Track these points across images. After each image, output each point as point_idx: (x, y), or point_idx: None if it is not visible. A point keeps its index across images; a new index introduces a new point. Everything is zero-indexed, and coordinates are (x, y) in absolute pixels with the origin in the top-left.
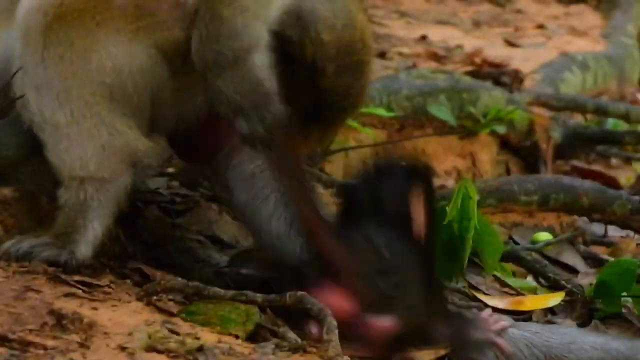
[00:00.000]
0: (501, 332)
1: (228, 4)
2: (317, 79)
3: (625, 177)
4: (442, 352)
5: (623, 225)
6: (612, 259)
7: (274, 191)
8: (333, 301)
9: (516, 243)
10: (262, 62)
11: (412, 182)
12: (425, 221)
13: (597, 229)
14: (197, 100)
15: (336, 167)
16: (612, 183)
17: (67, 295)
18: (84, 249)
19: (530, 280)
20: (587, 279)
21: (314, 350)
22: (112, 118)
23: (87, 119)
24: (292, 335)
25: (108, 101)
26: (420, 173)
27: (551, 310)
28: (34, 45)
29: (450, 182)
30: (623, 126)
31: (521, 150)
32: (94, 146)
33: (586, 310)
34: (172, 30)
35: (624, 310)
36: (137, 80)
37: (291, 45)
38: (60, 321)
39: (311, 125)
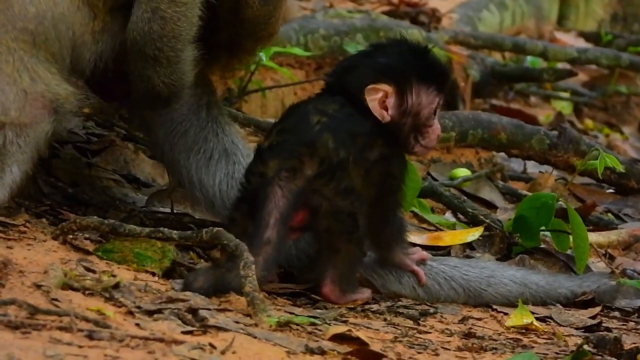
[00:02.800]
0: (421, 263)
1: (170, 2)
2: (242, 10)
3: (544, 114)
4: (368, 296)
5: (541, 161)
6: (530, 194)
7: (193, 125)
8: None
9: (434, 179)
10: (191, 56)
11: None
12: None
13: (516, 165)
14: (117, 41)
15: (254, 107)
16: (532, 121)
17: None
18: (1, 192)
19: (448, 216)
20: (506, 214)
21: None
22: (35, 64)
23: (10, 64)
24: None
25: (30, 47)
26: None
27: (470, 245)
28: None
29: None
30: (541, 64)
31: None
32: (16, 92)
33: (505, 244)
34: None
35: (543, 245)
36: (59, 26)
37: None
38: None
39: (229, 56)
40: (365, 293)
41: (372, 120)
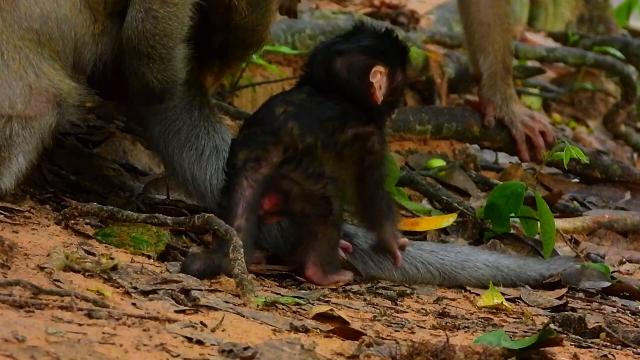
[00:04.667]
0: (400, 248)
1: (162, 3)
2: (231, 16)
3: None
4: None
5: (511, 152)
6: (501, 183)
7: (186, 123)
8: None
9: (412, 169)
10: (182, 54)
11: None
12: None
13: (489, 156)
14: (115, 44)
15: (244, 101)
16: None
17: None
18: (8, 180)
19: (425, 203)
20: (478, 201)
21: None
22: (39, 61)
23: (16, 61)
24: None
25: (35, 45)
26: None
27: (444, 231)
28: None
29: None
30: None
31: (417, 85)
32: (22, 87)
33: (477, 230)
34: None
35: (512, 231)
36: (62, 26)
37: None
38: None
39: (221, 62)
40: (347, 275)
41: (345, 102)
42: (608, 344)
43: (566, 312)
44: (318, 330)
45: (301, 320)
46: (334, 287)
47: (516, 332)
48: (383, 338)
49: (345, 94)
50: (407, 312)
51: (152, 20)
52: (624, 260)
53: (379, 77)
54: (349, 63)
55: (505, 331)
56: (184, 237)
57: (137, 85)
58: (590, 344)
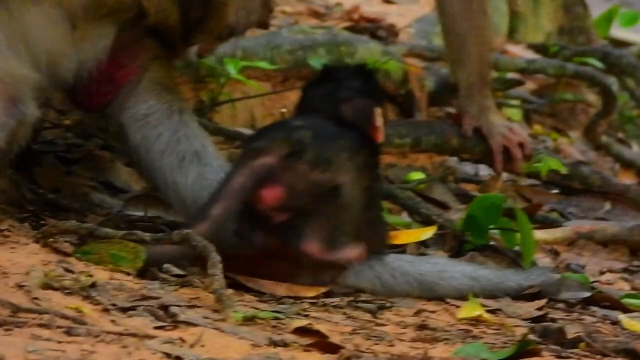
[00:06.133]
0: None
1: None
2: None
3: None
4: (324, 289)
5: (490, 164)
6: (480, 195)
7: (167, 128)
8: None
9: (391, 182)
10: None
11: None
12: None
13: (470, 168)
14: (97, 49)
15: (224, 117)
16: None
17: None
18: None
19: (404, 216)
20: (458, 214)
21: (200, 284)
22: None
23: None
24: (177, 270)
25: None
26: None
27: (424, 243)
28: None
29: None
30: (493, 74)
31: (397, 98)
32: None
33: (457, 242)
34: None
35: (492, 242)
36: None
37: None
38: None
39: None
40: (355, 250)
41: (353, 132)
42: (588, 354)
43: (546, 323)
44: (297, 345)
45: (280, 334)
46: (315, 300)
47: (495, 344)
48: (362, 351)
49: (351, 128)
50: (386, 325)
51: None
52: (604, 270)
53: (380, 119)
54: (354, 107)
55: (485, 342)
56: None
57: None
58: (570, 354)
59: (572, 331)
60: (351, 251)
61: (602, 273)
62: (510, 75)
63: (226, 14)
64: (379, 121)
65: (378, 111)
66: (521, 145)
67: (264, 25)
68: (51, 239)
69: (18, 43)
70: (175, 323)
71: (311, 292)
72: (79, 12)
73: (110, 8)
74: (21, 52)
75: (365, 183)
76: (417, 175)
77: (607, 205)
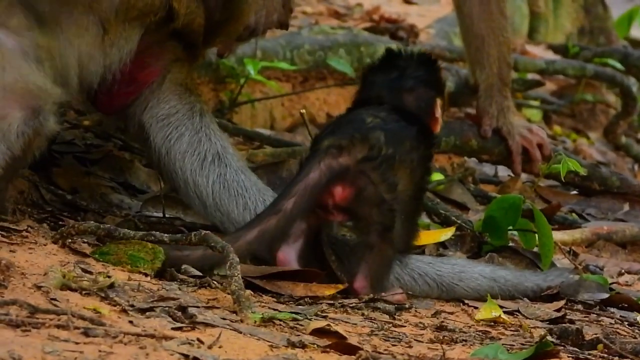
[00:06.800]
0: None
1: None
2: None
3: None
4: (342, 287)
5: (509, 166)
6: (499, 196)
7: (188, 129)
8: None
9: None
10: None
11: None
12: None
13: (489, 169)
14: (124, 53)
15: (244, 118)
16: None
17: None
18: None
19: (423, 217)
20: (477, 215)
21: (218, 285)
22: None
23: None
24: (195, 271)
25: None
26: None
27: (443, 245)
28: None
29: None
30: (512, 75)
31: None
32: None
33: (475, 243)
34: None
35: (511, 244)
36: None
37: None
38: None
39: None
40: (397, 295)
41: (416, 127)
42: (605, 355)
43: (564, 324)
44: (315, 346)
45: (298, 335)
46: (333, 301)
47: (514, 345)
48: (380, 353)
49: (413, 120)
50: (404, 326)
51: None
52: (623, 271)
53: (439, 111)
54: (417, 97)
55: (503, 344)
56: None
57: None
58: (588, 356)
59: (590, 332)
60: (394, 296)
61: (620, 274)
62: (530, 76)
63: (247, 15)
64: (439, 112)
65: (439, 102)
66: (540, 146)
67: (284, 25)
68: (69, 240)
69: (48, 55)
70: (193, 324)
71: (329, 291)
72: (109, 15)
73: (140, 10)
74: (50, 64)
75: (418, 177)
76: (436, 176)
77: (626, 207)
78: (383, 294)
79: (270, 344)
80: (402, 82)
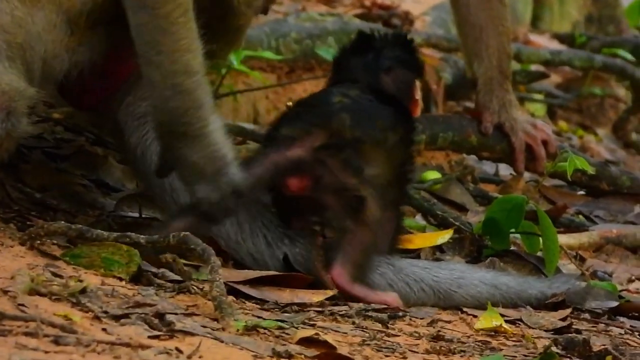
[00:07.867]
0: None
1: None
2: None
3: None
4: (331, 293)
5: (512, 164)
6: (501, 196)
7: None
8: None
9: None
10: (218, 125)
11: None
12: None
13: (489, 167)
14: (94, 52)
15: (225, 111)
16: None
17: None
18: None
19: (418, 218)
20: (476, 216)
21: (199, 291)
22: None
23: None
24: (173, 276)
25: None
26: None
27: (439, 248)
28: None
29: None
30: (515, 66)
31: None
32: None
33: (475, 247)
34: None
35: (513, 248)
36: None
37: None
38: None
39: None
40: (389, 297)
41: (392, 108)
42: None
43: (570, 334)
44: (302, 356)
45: (284, 345)
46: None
47: (516, 356)
48: None
49: (390, 101)
50: (399, 335)
51: (183, 93)
52: (633, 278)
53: (419, 93)
54: (395, 79)
55: (504, 355)
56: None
57: (184, 174)
58: None
59: (598, 343)
60: (385, 296)
61: (630, 281)
62: (534, 67)
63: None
64: (418, 94)
65: (417, 84)
66: (545, 143)
67: (263, 10)
68: (38, 241)
69: (18, 51)
70: (172, 332)
71: (317, 297)
72: (78, 17)
73: (111, 14)
74: (20, 61)
75: (397, 161)
76: (433, 175)
77: (637, 208)
78: (374, 295)
79: (254, 354)
80: (379, 62)
